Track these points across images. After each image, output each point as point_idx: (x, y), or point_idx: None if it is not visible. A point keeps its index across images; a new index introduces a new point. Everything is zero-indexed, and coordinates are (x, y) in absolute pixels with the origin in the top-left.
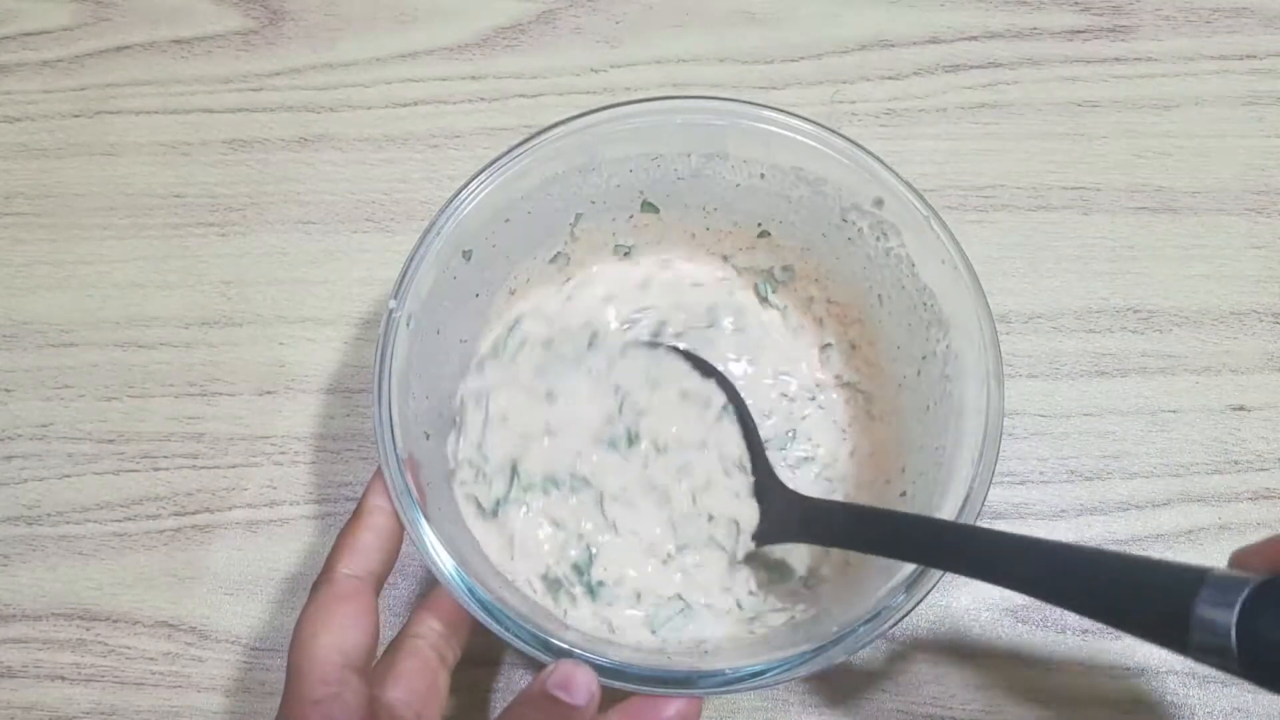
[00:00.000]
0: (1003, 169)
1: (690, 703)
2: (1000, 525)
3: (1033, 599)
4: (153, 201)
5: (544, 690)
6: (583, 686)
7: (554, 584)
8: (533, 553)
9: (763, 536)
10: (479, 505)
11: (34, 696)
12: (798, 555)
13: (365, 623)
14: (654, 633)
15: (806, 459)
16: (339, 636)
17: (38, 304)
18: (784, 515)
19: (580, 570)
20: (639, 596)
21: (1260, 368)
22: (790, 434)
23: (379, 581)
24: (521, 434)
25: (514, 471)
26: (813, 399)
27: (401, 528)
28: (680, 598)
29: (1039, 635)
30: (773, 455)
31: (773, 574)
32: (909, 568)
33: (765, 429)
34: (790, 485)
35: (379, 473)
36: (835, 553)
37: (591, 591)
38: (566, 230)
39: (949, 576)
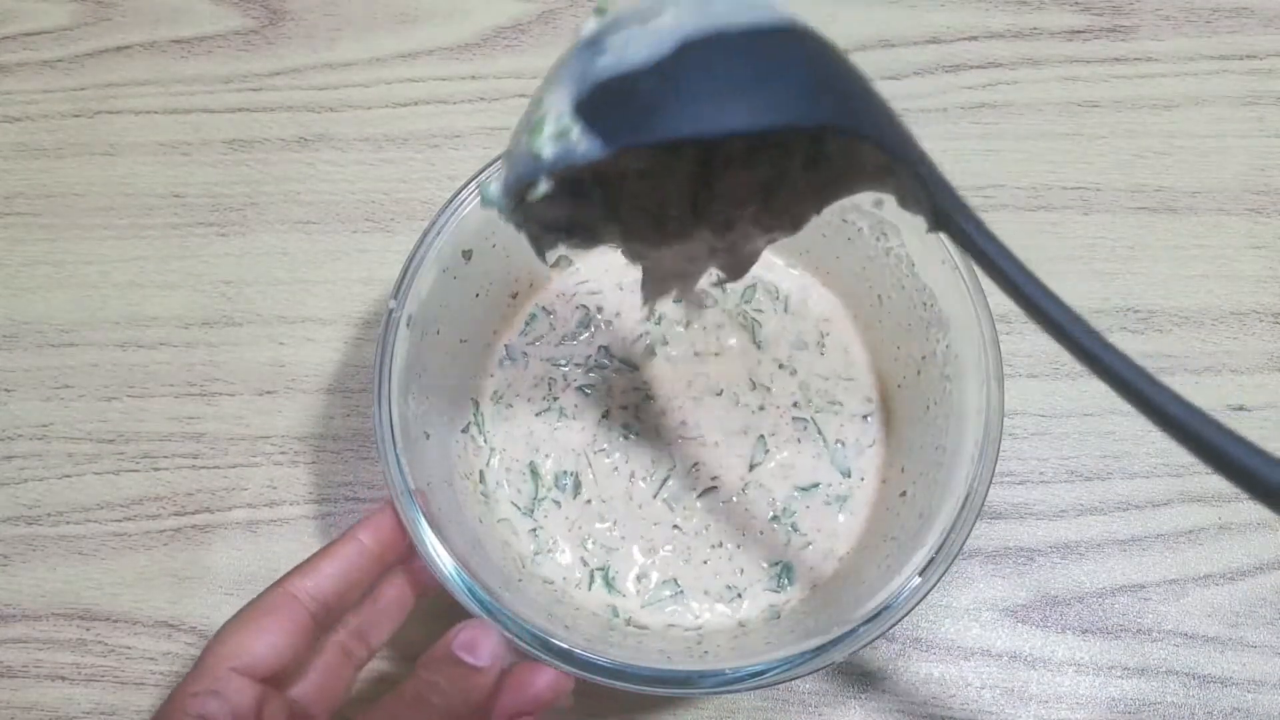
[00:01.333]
0: (1003, 169)
1: (561, 676)
2: (1000, 525)
3: (1032, 598)
4: (153, 201)
5: (448, 652)
6: (486, 648)
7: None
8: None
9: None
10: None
11: (34, 696)
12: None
13: (279, 639)
14: (642, 607)
15: None
16: (243, 642)
17: (38, 304)
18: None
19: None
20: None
21: (1260, 368)
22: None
23: (325, 609)
24: None
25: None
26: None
27: (375, 568)
28: (675, 581)
29: (1039, 635)
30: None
31: None
32: (910, 570)
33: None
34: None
35: (383, 508)
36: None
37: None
38: None
39: (949, 576)
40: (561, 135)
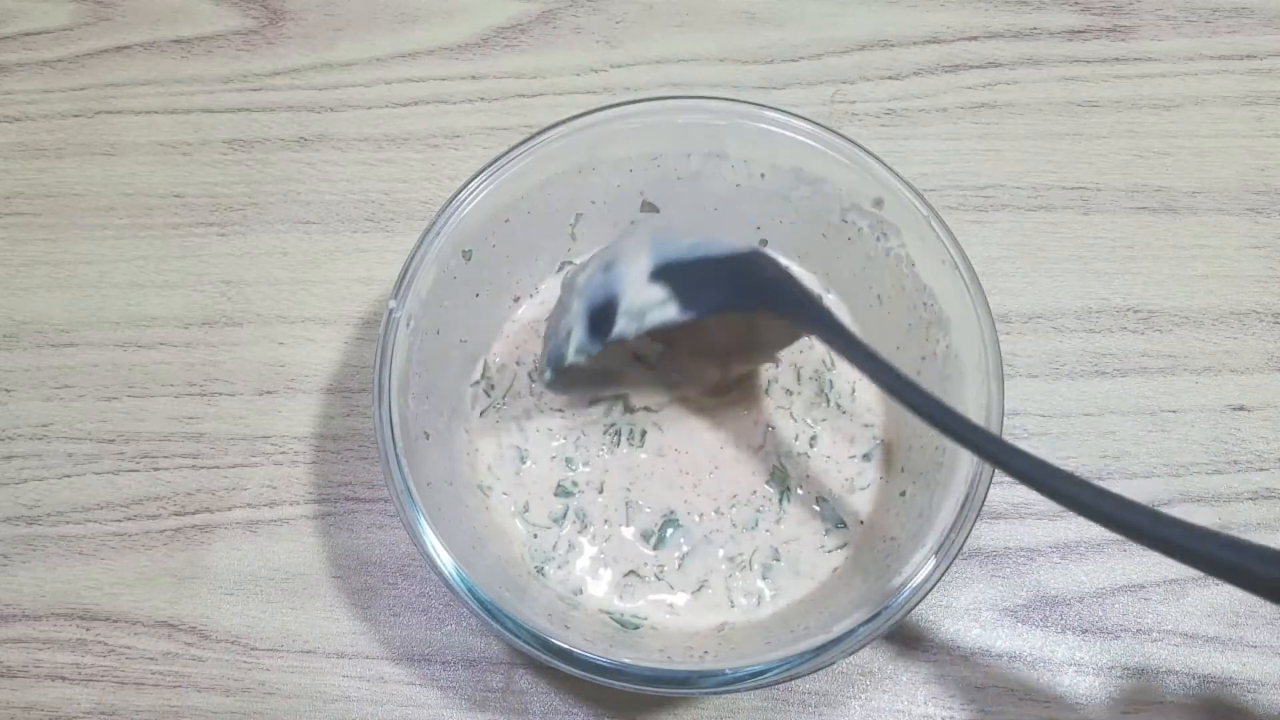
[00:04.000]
0: (1003, 169)
1: None
2: (1000, 525)
3: (1032, 598)
4: (153, 201)
5: None
6: None
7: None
8: None
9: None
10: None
11: (34, 696)
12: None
13: None
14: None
15: None
16: None
17: (38, 304)
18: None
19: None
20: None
21: (1260, 368)
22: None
23: None
24: None
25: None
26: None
27: None
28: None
29: (1039, 635)
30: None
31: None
32: (909, 570)
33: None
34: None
35: None
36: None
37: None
38: (567, 231)
39: (949, 576)
40: (578, 348)
